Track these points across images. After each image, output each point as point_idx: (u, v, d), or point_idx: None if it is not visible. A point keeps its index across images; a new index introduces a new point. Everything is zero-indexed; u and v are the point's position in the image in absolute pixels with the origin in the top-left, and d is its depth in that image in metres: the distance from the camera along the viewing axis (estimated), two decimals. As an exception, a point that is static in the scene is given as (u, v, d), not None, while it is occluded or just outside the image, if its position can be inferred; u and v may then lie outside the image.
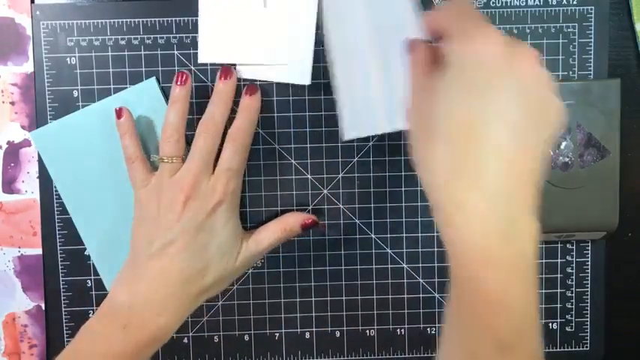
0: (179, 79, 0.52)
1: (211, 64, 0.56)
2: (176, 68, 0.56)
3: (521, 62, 0.35)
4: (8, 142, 0.57)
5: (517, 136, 0.34)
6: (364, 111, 0.51)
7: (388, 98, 0.49)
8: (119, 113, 0.54)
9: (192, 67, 0.56)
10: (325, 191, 0.58)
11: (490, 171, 0.34)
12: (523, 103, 0.34)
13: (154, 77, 0.56)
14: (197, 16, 0.55)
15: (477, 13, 0.39)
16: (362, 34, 0.50)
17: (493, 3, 0.56)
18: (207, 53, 0.56)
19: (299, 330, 0.59)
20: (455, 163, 0.35)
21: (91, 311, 0.58)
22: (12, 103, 0.57)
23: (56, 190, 0.57)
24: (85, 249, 0.57)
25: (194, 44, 0.56)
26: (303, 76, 0.55)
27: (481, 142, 0.34)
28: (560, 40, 0.57)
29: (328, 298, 0.59)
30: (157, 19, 0.56)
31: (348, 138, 0.51)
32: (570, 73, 0.57)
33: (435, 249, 0.58)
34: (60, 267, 0.58)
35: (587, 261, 0.59)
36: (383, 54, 0.50)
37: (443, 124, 0.35)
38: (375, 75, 0.50)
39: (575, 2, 0.56)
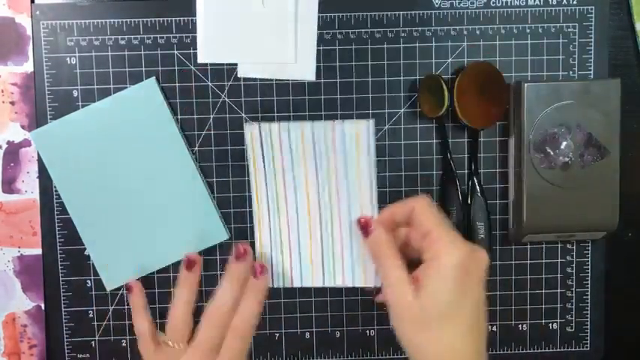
0: (188, 263, 0.53)
1: (211, 64, 0.56)
2: (176, 68, 0.56)
3: (483, 261, 0.45)
4: (8, 142, 0.57)
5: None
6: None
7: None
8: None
9: (193, 67, 0.56)
10: (325, 191, 0.58)
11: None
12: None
13: (154, 77, 0.56)
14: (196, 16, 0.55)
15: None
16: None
17: (493, 3, 0.56)
18: (207, 53, 0.56)
19: (299, 330, 0.59)
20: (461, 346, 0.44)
21: (91, 311, 0.58)
22: (12, 103, 0.57)
23: (56, 190, 0.57)
24: (85, 249, 0.57)
25: (194, 44, 0.56)
26: (307, 72, 0.56)
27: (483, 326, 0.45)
28: (560, 40, 0.57)
29: (328, 298, 0.59)
30: (157, 19, 0.56)
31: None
32: (570, 73, 0.57)
33: (435, 249, 0.58)
34: (60, 267, 0.58)
35: (587, 261, 0.59)
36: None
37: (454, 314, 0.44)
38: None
39: (575, 2, 0.56)
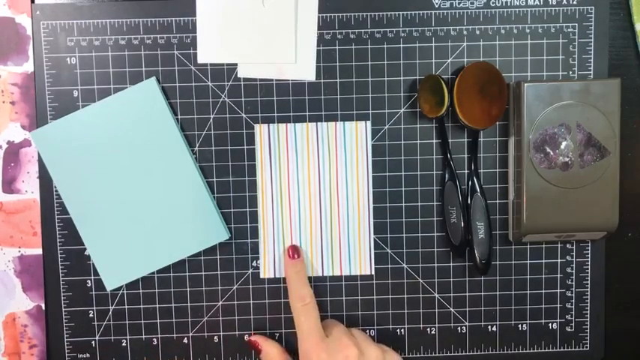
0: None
1: (211, 64, 0.56)
2: (176, 68, 0.56)
3: None
4: (8, 142, 0.57)
5: None
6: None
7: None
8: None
9: (193, 67, 0.56)
10: (325, 191, 0.58)
11: None
12: None
13: (154, 77, 0.56)
14: (196, 16, 0.55)
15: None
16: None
17: (493, 3, 0.56)
18: (207, 53, 0.56)
19: (299, 330, 0.59)
20: None
21: (91, 311, 0.58)
22: (12, 103, 0.57)
23: (56, 190, 0.57)
24: (85, 249, 0.57)
25: (194, 44, 0.56)
26: (307, 72, 0.56)
27: None
28: (560, 40, 0.57)
29: (328, 298, 0.59)
30: (157, 19, 0.56)
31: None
32: (570, 73, 0.57)
33: (435, 249, 0.58)
34: (60, 267, 0.58)
35: (587, 261, 0.59)
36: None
37: None
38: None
39: (575, 2, 0.56)
